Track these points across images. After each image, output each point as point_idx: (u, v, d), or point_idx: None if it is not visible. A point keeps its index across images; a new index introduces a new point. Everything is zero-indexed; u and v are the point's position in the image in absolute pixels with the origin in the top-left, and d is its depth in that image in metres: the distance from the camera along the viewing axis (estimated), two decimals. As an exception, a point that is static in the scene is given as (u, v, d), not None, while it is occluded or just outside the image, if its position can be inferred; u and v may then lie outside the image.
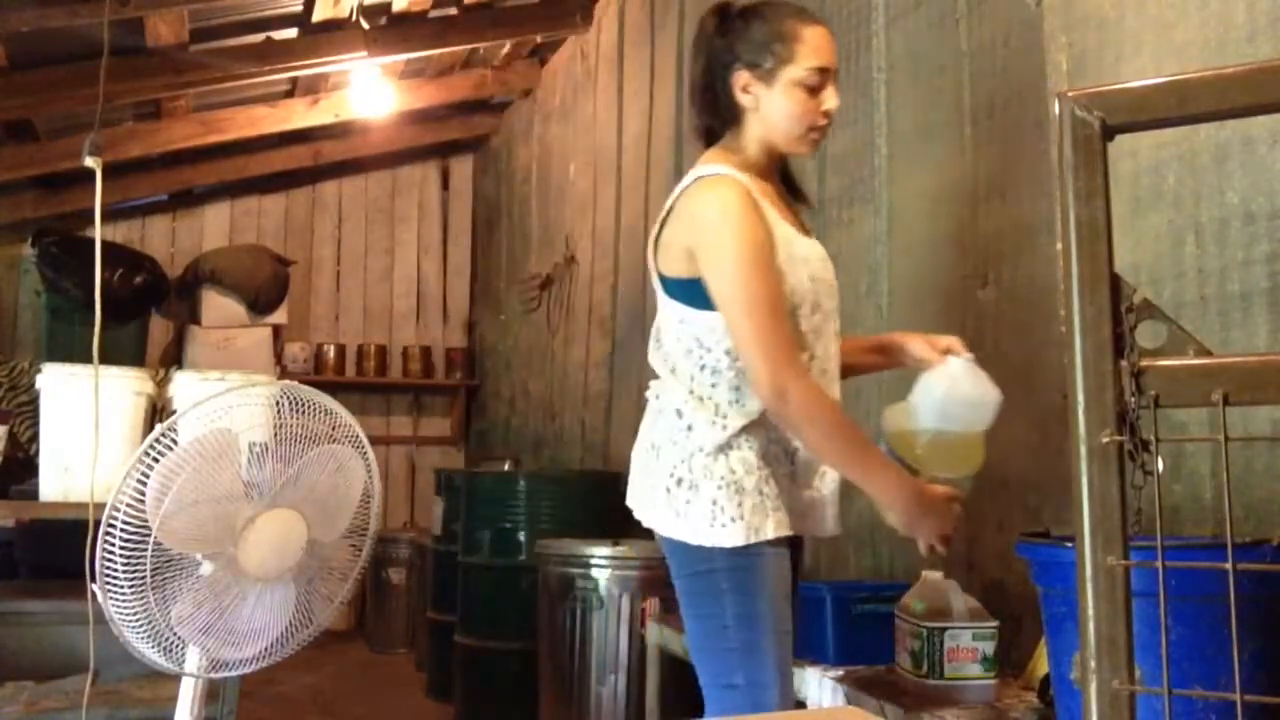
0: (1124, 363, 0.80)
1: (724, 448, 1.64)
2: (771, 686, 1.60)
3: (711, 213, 1.64)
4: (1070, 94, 0.83)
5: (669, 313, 1.73)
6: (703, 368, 1.68)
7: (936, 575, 1.91)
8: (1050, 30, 2.16)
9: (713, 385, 1.67)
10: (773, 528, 1.62)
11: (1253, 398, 0.78)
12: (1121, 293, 0.81)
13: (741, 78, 1.72)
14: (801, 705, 2.08)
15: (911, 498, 1.62)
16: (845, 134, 2.87)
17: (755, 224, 1.63)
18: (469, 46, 5.42)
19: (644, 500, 1.73)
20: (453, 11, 5.09)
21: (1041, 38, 2.18)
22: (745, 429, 1.65)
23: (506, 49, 5.73)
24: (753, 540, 1.60)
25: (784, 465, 1.70)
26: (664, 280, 1.72)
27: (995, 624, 1.83)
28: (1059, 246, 0.79)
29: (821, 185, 2.97)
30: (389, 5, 4.83)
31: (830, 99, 1.72)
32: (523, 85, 6.15)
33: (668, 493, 1.67)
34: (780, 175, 1.84)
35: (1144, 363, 0.80)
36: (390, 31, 4.92)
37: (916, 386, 1.74)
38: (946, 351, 1.77)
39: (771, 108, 1.71)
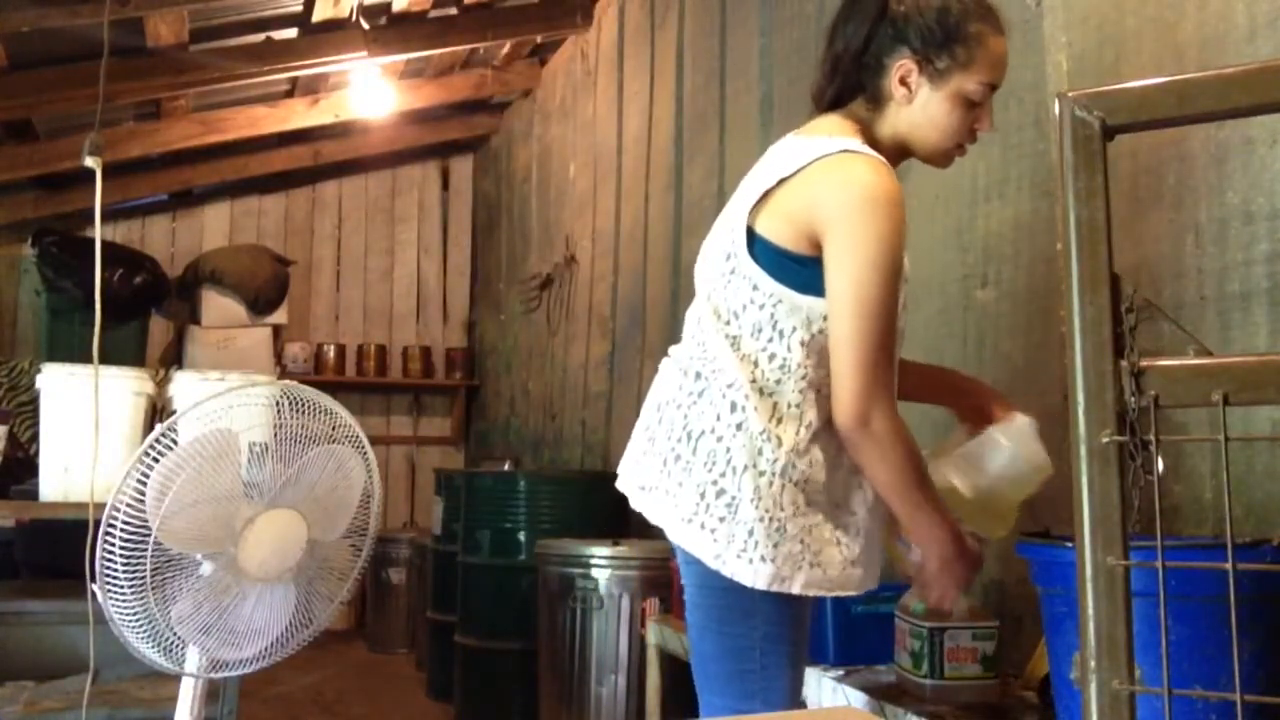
0: (1124, 363, 0.80)
1: (784, 471, 1.46)
2: (783, 707, 1.51)
3: (862, 195, 1.43)
4: (1070, 94, 0.83)
5: (745, 281, 1.49)
6: (771, 357, 1.48)
7: None
8: (1050, 30, 2.16)
9: (777, 381, 1.48)
10: (800, 584, 1.46)
11: (1253, 398, 0.78)
12: (1121, 293, 0.81)
13: (905, 66, 1.50)
14: (801, 705, 2.08)
15: (951, 546, 1.50)
16: (845, 134, 2.86)
17: (901, 225, 1.44)
18: (469, 46, 5.41)
19: (661, 495, 1.54)
20: (453, 11, 5.09)
21: (1041, 38, 2.18)
22: (804, 455, 1.47)
23: (506, 49, 5.73)
24: (775, 589, 1.45)
25: (848, 513, 1.53)
26: (760, 243, 1.48)
27: (995, 624, 1.83)
28: (1059, 246, 0.79)
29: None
30: (389, 5, 4.83)
31: (987, 119, 1.55)
32: (523, 85, 6.15)
33: (701, 497, 1.48)
34: None
35: (1144, 363, 0.80)
36: (390, 31, 4.92)
37: (982, 439, 1.67)
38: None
39: (929, 110, 1.52)
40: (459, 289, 7.43)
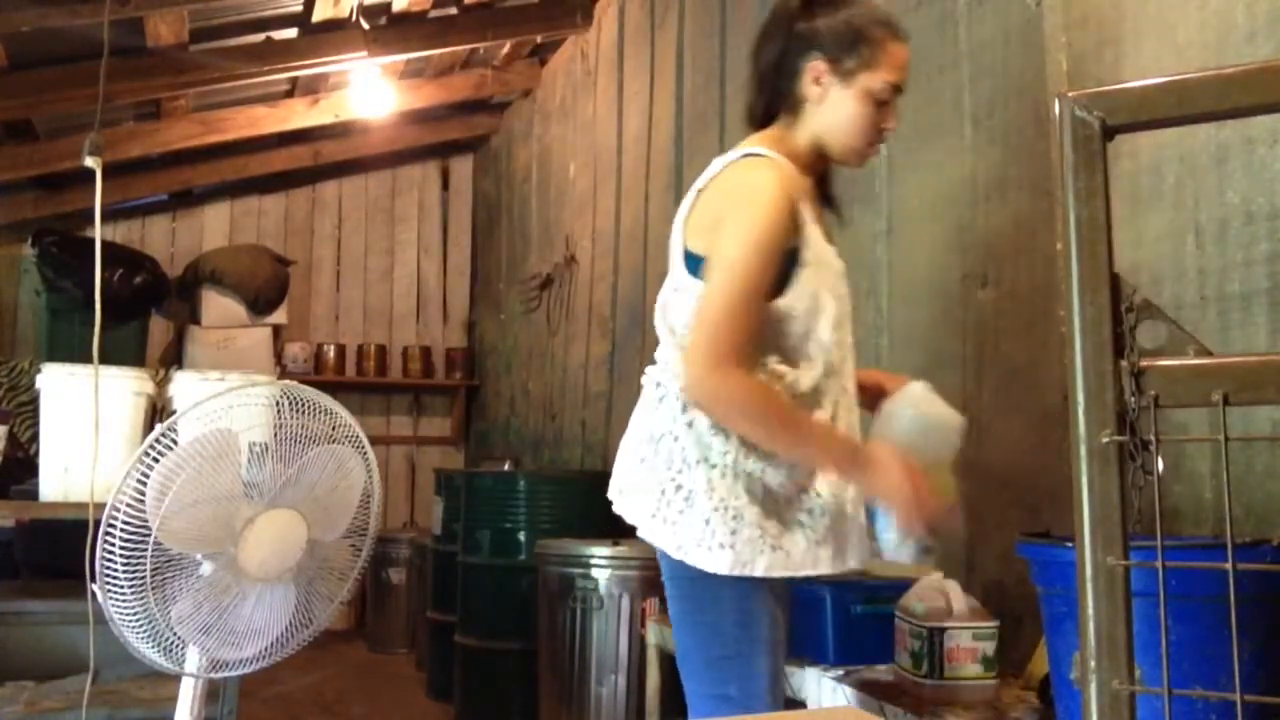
0: (1124, 363, 0.80)
1: (732, 465, 1.54)
2: (762, 698, 1.55)
3: (744, 190, 1.57)
4: (1070, 94, 0.83)
5: (688, 295, 1.61)
6: None
7: (936, 575, 1.91)
8: (1050, 30, 2.16)
9: None
10: (764, 566, 1.53)
11: (1253, 398, 0.78)
12: (1121, 293, 0.81)
13: (817, 67, 1.64)
14: (801, 705, 2.08)
15: (871, 461, 1.53)
16: (845, 134, 2.86)
17: (782, 214, 1.54)
18: (469, 46, 5.41)
19: (633, 495, 1.65)
20: (453, 11, 5.09)
21: (1041, 38, 2.18)
22: (759, 446, 1.55)
23: (506, 49, 5.73)
24: (739, 573, 1.52)
25: (814, 496, 1.59)
26: (689, 257, 1.61)
27: (995, 624, 1.83)
28: (1059, 246, 0.79)
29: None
30: (389, 5, 4.83)
31: (893, 119, 1.67)
32: (523, 85, 6.15)
33: (662, 494, 1.58)
34: (819, 181, 1.75)
35: (1144, 363, 0.80)
36: (390, 31, 4.92)
37: (882, 416, 1.67)
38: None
39: (839, 108, 1.64)
40: (459, 289, 7.43)
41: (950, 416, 1.67)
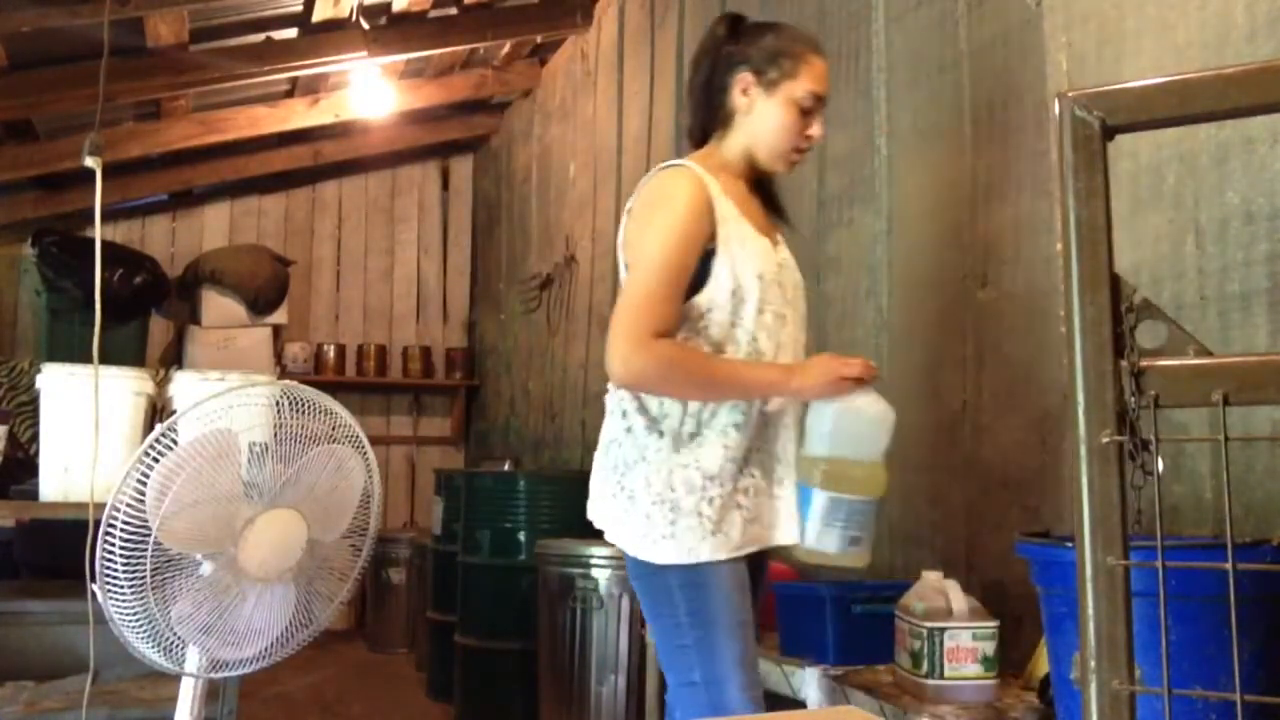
0: (1124, 363, 0.80)
1: (666, 460, 1.66)
2: (728, 681, 1.61)
3: (657, 196, 1.72)
4: (1070, 94, 0.83)
5: None
6: None
7: (936, 575, 1.91)
8: (1050, 30, 2.16)
9: None
10: (709, 551, 1.63)
11: (1253, 398, 0.78)
12: (1121, 293, 0.81)
13: (744, 79, 1.79)
14: (801, 705, 2.08)
15: (811, 363, 1.69)
16: (845, 134, 2.87)
17: (694, 213, 1.67)
18: (469, 46, 5.41)
19: (597, 503, 1.77)
20: (453, 11, 5.09)
21: (1041, 38, 2.18)
22: (692, 439, 1.67)
23: (506, 49, 5.73)
24: (683, 562, 1.63)
25: (748, 477, 1.70)
26: (627, 269, 1.76)
27: (995, 624, 1.83)
28: (1059, 246, 0.79)
29: (821, 185, 2.97)
30: (389, 5, 4.83)
31: (817, 127, 1.81)
32: (523, 85, 6.15)
33: (613, 498, 1.71)
34: (764, 192, 1.89)
35: (1144, 363, 0.80)
36: (390, 31, 4.92)
37: (809, 410, 1.72)
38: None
39: (764, 116, 1.79)
40: (459, 289, 7.43)
41: (880, 411, 1.70)
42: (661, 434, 1.68)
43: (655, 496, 1.65)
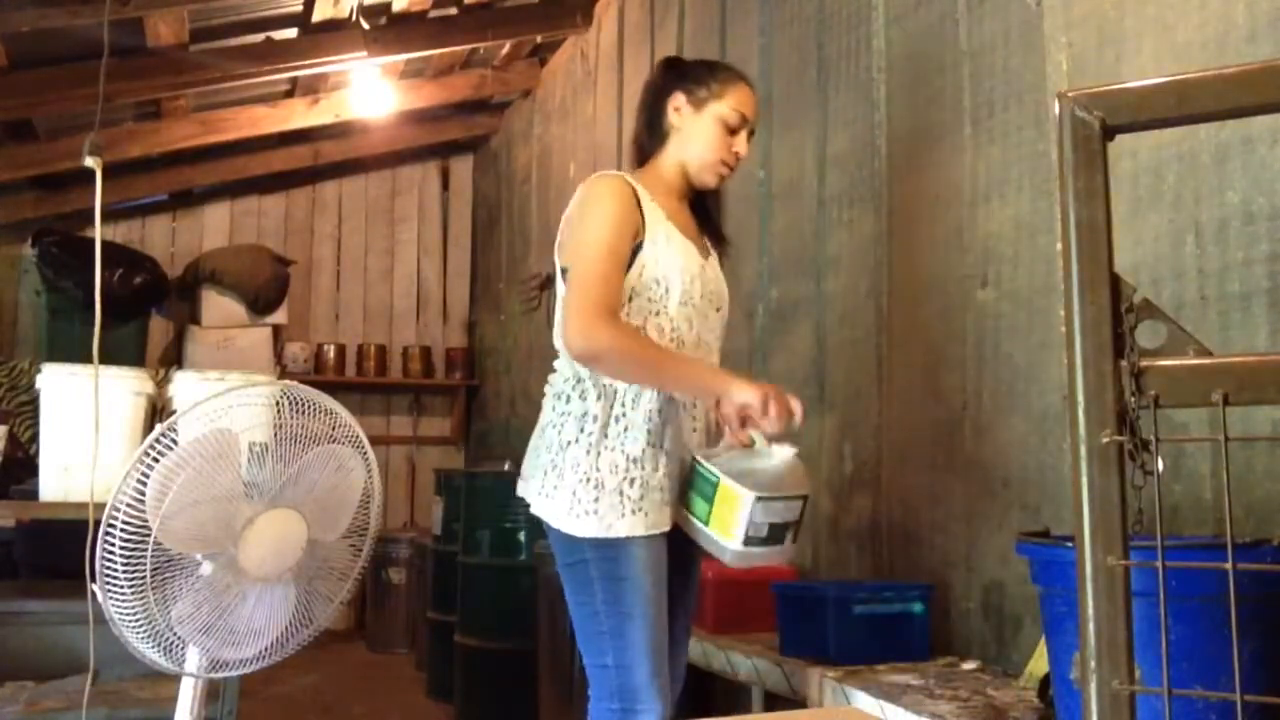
0: (1124, 363, 0.80)
1: (595, 444, 1.80)
2: (637, 668, 1.75)
3: (587, 197, 1.88)
4: (1070, 94, 0.83)
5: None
6: None
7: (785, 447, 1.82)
8: (1050, 30, 2.16)
9: (590, 372, 1.84)
10: (627, 528, 1.77)
11: (1253, 398, 0.78)
12: (1121, 293, 0.81)
13: (677, 99, 1.98)
14: (801, 705, 2.08)
15: (730, 377, 1.80)
16: (845, 134, 2.87)
17: (621, 206, 1.84)
18: (469, 46, 5.41)
19: (527, 479, 1.91)
20: (453, 11, 5.09)
21: (1041, 38, 2.18)
22: (619, 424, 1.81)
23: (506, 49, 5.73)
24: (606, 535, 1.76)
25: (668, 462, 1.82)
26: (564, 272, 1.89)
27: (804, 494, 1.78)
28: (1059, 246, 0.79)
29: (821, 185, 2.97)
30: (389, 5, 4.82)
31: (742, 145, 1.98)
32: (523, 85, 6.15)
33: (544, 475, 1.85)
34: (703, 213, 2.05)
35: (1144, 363, 0.80)
36: (390, 31, 4.92)
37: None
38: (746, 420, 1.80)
39: (693, 131, 1.97)
40: (459, 289, 7.43)
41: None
42: (595, 418, 1.82)
43: (582, 476, 1.79)
